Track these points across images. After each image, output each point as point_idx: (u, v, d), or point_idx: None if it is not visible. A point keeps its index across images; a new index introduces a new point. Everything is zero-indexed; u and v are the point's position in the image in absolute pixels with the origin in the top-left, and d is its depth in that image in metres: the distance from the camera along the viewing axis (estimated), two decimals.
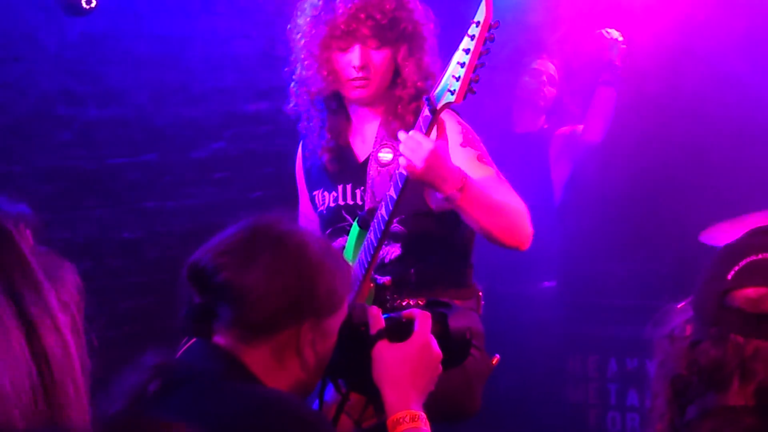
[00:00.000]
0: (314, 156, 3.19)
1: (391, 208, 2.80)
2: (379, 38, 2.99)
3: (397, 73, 3.02)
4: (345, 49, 3.00)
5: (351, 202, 3.10)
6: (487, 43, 2.60)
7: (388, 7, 2.99)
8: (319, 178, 3.20)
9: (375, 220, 2.87)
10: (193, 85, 4.60)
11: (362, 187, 3.05)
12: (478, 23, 2.58)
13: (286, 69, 3.17)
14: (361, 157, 3.11)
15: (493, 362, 2.97)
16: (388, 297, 2.97)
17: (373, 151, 3.03)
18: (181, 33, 4.55)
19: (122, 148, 4.40)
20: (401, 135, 2.76)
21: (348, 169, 3.13)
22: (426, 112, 2.72)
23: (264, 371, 1.93)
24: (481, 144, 3.01)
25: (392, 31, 2.99)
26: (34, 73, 4.14)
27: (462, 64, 2.61)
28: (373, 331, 2.07)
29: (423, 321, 2.09)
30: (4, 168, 4.05)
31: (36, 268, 0.91)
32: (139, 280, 4.46)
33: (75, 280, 1.04)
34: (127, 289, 4.39)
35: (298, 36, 3.09)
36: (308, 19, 3.06)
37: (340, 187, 3.14)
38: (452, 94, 2.64)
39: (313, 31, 3.04)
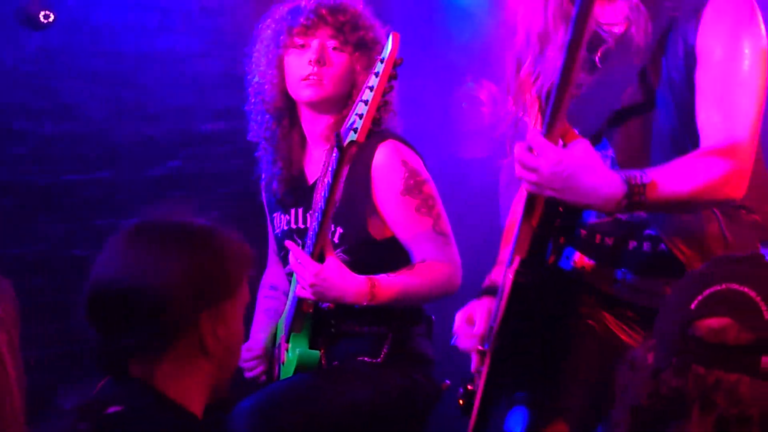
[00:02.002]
0: (270, 177, 3.18)
1: (314, 240, 2.79)
2: (338, 39, 2.97)
3: (352, 88, 2.98)
4: (303, 46, 2.98)
5: (302, 226, 3.07)
6: (391, 80, 2.58)
7: (351, 10, 3.00)
8: (275, 201, 3.19)
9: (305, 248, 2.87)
10: (150, 102, 4.58)
11: (311, 211, 3.00)
12: (383, 60, 2.56)
13: (248, 86, 3.14)
14: (311, 180, 3.09)
15: (443, 387, 2.96)
16: (332, 322, 2.96)
17: (320, 175, 2.96)
18: (139, 50, 4.53)
19: (77, 165, 4.37)
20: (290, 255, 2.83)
21: (300, 192, 3.10)
22: (335, 149, 2.70)
23: (178, 389, 1.84)
24: (426, 182, 2.99)
25: (352, 35, 2.97)
26: None
27: (365, 102, 2.60)
28: None
29: None
30: None
31: None
32: None
33: (11, 297, 0.94)
34: (77, 307, 4.30)
35: (260, 44, 3.08)
36: (271, 25, 3.06)
37: (292, 211, 3.12)
38: (355, 132, 2.63)
39: (274, 34, 3.03)
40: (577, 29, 1.89)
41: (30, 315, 3.90)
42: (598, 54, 2.30)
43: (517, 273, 2.16)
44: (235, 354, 1.94)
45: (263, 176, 3.21)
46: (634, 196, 1.98)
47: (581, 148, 1.98)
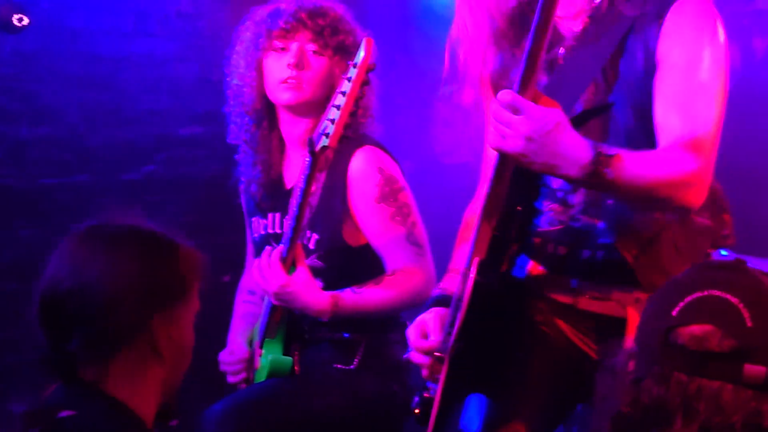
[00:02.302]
0: (249, 181, 3.19)
1: (287, 246, 2.81)
2: (318, 43, 2.99)
3: (331, 92, 2.94)
4: (282, 49, 2.99)
5: (279, 231, 3.07)
6: (364, 86, 2.63)
7: (331, 14, 3.01)
8: (254, 204, 3.20)
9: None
10: (127, 106, 4.55)
11: (287, 216, 3.01)
12: (355, 65, 2.60)
13: (227, 88, 3.15)
14: (289, 185, 3.10)
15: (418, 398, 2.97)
16: (305, 328, 2.98)
17: (296, 182, 2.99)
18: (117, 53, 4.50)
19: (53, 168, 4.33)
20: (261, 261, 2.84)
21: (278, 196, 3.11)
22: (307, 155, 2.72)
23: (130, 393, 1.83)
24: (402, 190, 3.01)
25: (332, 39, 2.99)
26: None
27: (338, 107, 2.63)
28: None
29: None
30: None
31: None
32: None
33: None
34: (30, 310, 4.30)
35: (239, 47, 3.09)
36: (250, 28, 3.07)
37: (270, 216, 3.14)
38: (327, 137, 2.66)
39: (253, 36, 3.04)
40: None
41: (6, 321, 3.91)
42: (559, 51, 2.31)
43: (478, 274, 2.15)
44: (186, 357, 1.93)
45: (242, 179, 3.22)
46: (600, 165, 1.96)
47: (557, 109, 1.97)
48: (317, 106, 2.98)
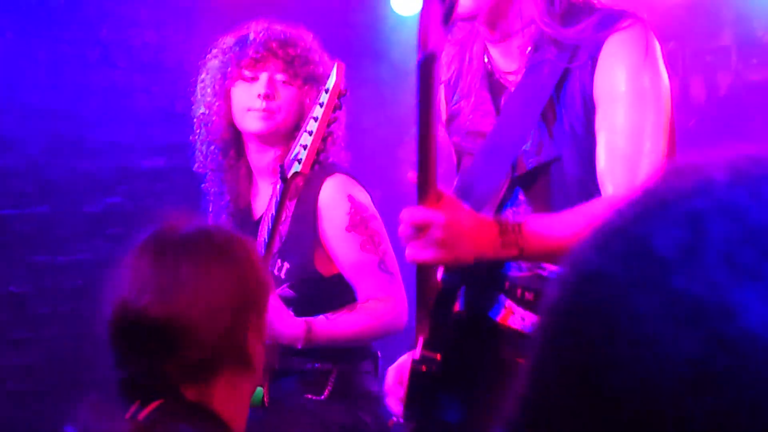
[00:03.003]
0: (217, 211, 3.19)
1: None
2: (288, 73, 2.98)
3: (300, 121, 2.97)
4: (252, 79, 2.98)
5: None
6: (336, 110, 2.61)
7: (301, 44, 3.01)
8: None
9: None
10: (89, 137, 4.55)
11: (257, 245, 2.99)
12: (327, 90, 2.58)
13: (193, 116, 3.14)
14: (257, 215, 3.10)
15: (389, 425, 2.95)
16: (275, 359, 2.94)
17: (265, 210, 2.98)
18: (79, 84, 4.50)
19: (13, 199, 4.33)
20: None
21: (247, 227, 3.08)
22: (278, 181, 2.71)
23: (233, 410, 1.82)
24: (372, 218, 3.01)
25: (302, 69, 2.98)
26: None
27: (310, 132, 2.61)
28: None
29: None
30: None
31: None
32: (25, 335, 4.35)
33: None
34: (12, 345, 4.32)
35: (205, 75, 3.09)
36: (218, 56, 3.06)
37: None
38: (299, 163, 2.64)
39: (221, 65, 3.04)
40: (422, 112, 1.91)
41: None
42: (501, 100, 2.30)
43: (420, 360, 2.11)
44: (262, 367, 1.91)
45: (210, 208, 3.20)
46: (509, 234, 1.92)
47: (454, 203, 1.93)
48: (285, 136, 2.98)
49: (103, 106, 4.55)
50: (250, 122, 2.98)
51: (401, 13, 5.19)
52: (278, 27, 3.04)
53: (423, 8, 1.88)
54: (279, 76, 2.97)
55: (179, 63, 4.23)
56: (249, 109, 2.96)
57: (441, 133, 2.35)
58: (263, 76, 2.96)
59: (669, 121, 2.15)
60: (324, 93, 2.59)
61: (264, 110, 2.95)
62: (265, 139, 3.02)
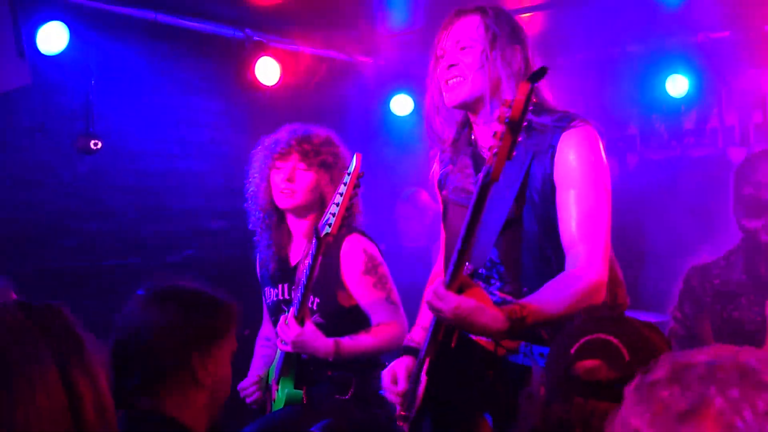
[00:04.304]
0: (264, 259, 3.16)
1: (297, 307, 2.78)
2: (305, 162, 2.97)
3: (321, 196, 2.98)
4: (280, 168, 3.00)
5: (287, 297, 3.05)
6: (356, 188, 2.61)
7: (315, 141, 3.00)
8: (267, 277, 3.17)
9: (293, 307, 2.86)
10: (170, 207, 4.57)
11: (295, 286, 2.99)
12: (349, 173, 2.59)
13: (246, 191, 3.15)
14: (293, 263, 3.08)
15: (396, 417, 2.93)
16: (311, 369, 2.94)
17: (301, 259, 2.99)
18: (163, 169, 4.54)
19: (114, 253, 4.32)
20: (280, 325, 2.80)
21: (286, 272, 3.09)
22: (314, 239, 2.71)
23: (182, 413, 1.78)
24: (380, 265, 2.98)
25: (315, 159, 2.97)
26: (51, 196, 4.09)
27: (337, 204, 2.62)
28: None
29: None
30: (20, 268, 3.93)
31: (85, 340, 0.83)
32: None
33: (103, 354, 0.91)
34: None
35: (254, 164, 3.10)
36: (261, 150, 3.08)
37: (280, 286, 3.10)
38: (329, 226, 2.64)
39: (263, 157, 3.05)
40: (473, 215, 1.86)
41: None
42: (482, 172, 2.29)
43: (429, 374, 2.09)
44: (225, 384, 1.87)
45: (259, 256, 3.20)
46: (518, 323, 1.91)
47: (474, 294, 1.91)
48: (310, 208, 2.99)
49: (180, 184, 4.60)
50: (279, 200, 3.00)
51: (397, 113, 5.32)
52: (300, 128, 3.05)
53: (500, 144, 1.82)
54: (299, 165, 2.98)
55: (236, 153, 4.25)
56: (278, 191, 2.99)
57: (432, 191, 2.35)
58: (287, 166, 2.98)
59: (609, 195, 2.10)
60: (347, 175, 2.59)
61: (287, 189, 2.97)
62: (294, 211, 3.03)
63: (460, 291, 1.91)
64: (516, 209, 2.16)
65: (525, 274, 2.16)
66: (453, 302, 1.88)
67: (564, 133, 2.10)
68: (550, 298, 1.98)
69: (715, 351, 0.95)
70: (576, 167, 2.08)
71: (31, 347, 0.73)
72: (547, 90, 2.23)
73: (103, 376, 0.77)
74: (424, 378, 2.10)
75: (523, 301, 1.97)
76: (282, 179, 2.97)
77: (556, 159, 2.10)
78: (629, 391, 0.94)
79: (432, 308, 1.93)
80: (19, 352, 0.72)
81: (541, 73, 1.85)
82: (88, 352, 0.78)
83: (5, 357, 0.72)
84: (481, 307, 1.89)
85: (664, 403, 0.88)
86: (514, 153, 1.84)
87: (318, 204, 2.98)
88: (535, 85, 1.99)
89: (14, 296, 1.79)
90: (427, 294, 1.95)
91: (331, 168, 2.97)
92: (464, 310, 1.88)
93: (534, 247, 2.13)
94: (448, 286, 1.90)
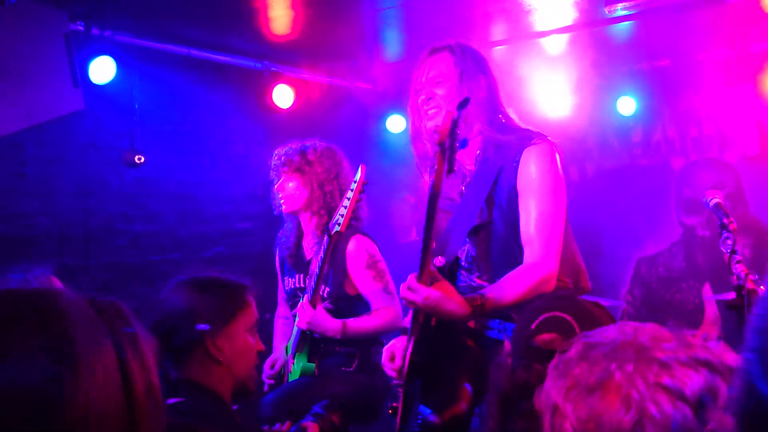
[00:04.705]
0: (283, 253, 3.16)
1: (311, 294, 2.80)
2: (287, 173, 2.98)
3: (313, 196, 2.96)
4: (277, 182, 3.01)
5: (302, 285, 3.06)
6: (361, 194, 2.62)
7: (291, 153, 3.02)
8: (287, 268, 3.17)
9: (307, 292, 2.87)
10: (204, 211, 4.55)
11: (308, 276, 3.02)
12: (355, 182, 2.60)
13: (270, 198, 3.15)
14: (308, 257, 3.08)
15: (393, 384, 2.92)
16: (322, 345, 2.94)
17: (314, 255, 3.00)
18: (197, 179, 4.53)
19: (157, 250, 4.31)
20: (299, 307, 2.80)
21: (301, 264, 3.09)
22: (326, 236, 2.73)
23: (209, 381, 1.74)
24: (380, 261, 2.96)
25: (291, 167, 2.97)
26: (103, 202, 4.09)
27: (345, 206, 2.63)
28: None
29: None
30: (82, 262, 3.95)
31: (138, 330, 0.83)
32: None
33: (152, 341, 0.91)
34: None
35: (271, 173, 3.11)
36: (272, 163, 3.08)
37: (296, 276, 3.11)
38: (338, 225, 2.66)
39: (273, 169, 3.06)
40: (429, 217, 1.84)
41: None
42: (464, 184, 2.24)
43: (413, 353, 2.10)
44: (241, 359, 1.80)
45: (279, 252, 3.21)
46: (478, 309, 1.95)
47: (441, 286, 1.94)
48: (306, 207, 2.97)
49: (213, 191, 4.59)
50: (281, 206, 3.03)
51: (392, 131, 5.34)
52: (282, 148, 3.03)
53: (436, 162, 1.81)
54: (285, 176, 2.98)
55: (258, 164, 4.22)
56: (278, 201, 3.02)
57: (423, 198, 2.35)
58: (279, 180, 3.01)
59: (563, 200, 2.11)
60: (353, 183, 2.60)
61: (281, 199, 2.99)
62: (295, 213, 3.01)
63: (430, 284, 1.93)
64: (488, 214, 2.17)
65: (496, 266, 2.17)
66: (423, 293, 1.91)
67: (525, 150, 2.10)
68: (506, 287, 2.02)
69: (619, 329, 0.94)
70: (535, 178, 2.09)
71: (96, 335, 0.75)
72: (514, 113, 2.24)
73: (152, 359, 0.79)
74: (409, 352, 2.13)
75: (484, 291, 2.01)
76: (277, 192, 3.01)
77: (518, 171, 2.10)
78: (551, 368, 0.94)
79: (406, 300, 1.96)
80: (85, 339, 0.74)
81: (464, 103, 1.87)
82: (141, 339, 0.81)
83: (75, 342, 0.73)
84: (446, 297, 1.93)
85: (576, 378, 0.88)
86: (455, 168, 1.84)
87: (311, 202, 2.96)
88: (500, 110, 2.06)
89: (58, 284, 1.79)
90: (402, 289, 1.97)
91: (305, 172, 2.96)
92: (433, 300, 1.91)
93: (503, 245, 2.15)
94: (419, 279, 1.93)
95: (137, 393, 0.75)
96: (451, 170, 1.83)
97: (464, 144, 2.20)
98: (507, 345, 1.60)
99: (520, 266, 2.07)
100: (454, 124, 1.83)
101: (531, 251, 2.07)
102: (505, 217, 2.13)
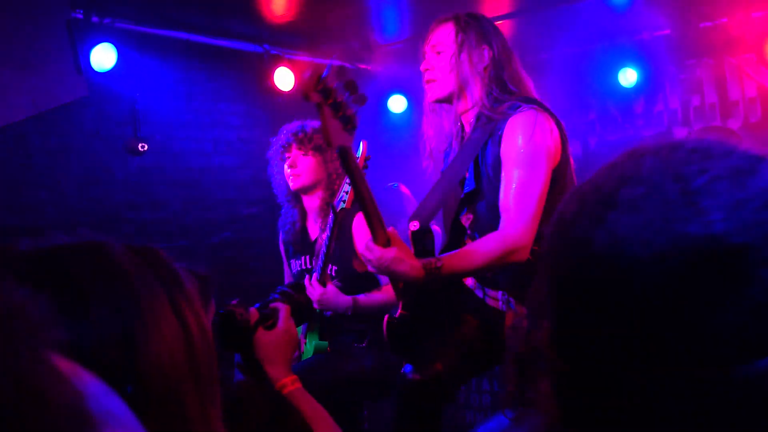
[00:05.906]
0: (287, 237, 3.17)
1: (319, 273, 2.80)
2: (302, 149, 2.97)
3: (322, 174, 2.96)
4: (287, 159, 3.00)
5: (309, 266, 3.06)
6: (364, 170, 2.59)
7: (308, 130, 3.00)
8: (292, 251, 3.18)
9: (315, 272, 2.87)
10: (209, 197, 4.55)
11: (314, 257, 3.02)
12: (358, 157, 2.57)
13: (271, 180, 3.16)
14: (313, 238, 3.08)
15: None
16: (334, 323, 2.95)
17: (319, 234, 3.00)
18: (201, 165, 4.53)
19: (164, 237, 4.31)
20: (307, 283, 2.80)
21: (306, 246, 3.10)
22: (331, 214, 2.74)
23: None
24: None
25: (310, 144, 2.97)
26: (109, 191, 4.10)
27: (349, 184, 2.62)
28: (252, 323, 1.65)
29: (285, 310, 1.70)
30: None
31: (182, 276, 0.81)
32: None
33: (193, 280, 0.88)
34: None
35: (272, 157, 3.11)
36: (274, 145, 3.09)
37: (302, 257, 3.10)
38: (344, 202, 2.66)
39: (275, 152, 3.06)
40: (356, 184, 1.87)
41: None
42: (465, 134, 2.24)
43: (396, 317, 2.13)
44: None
45: (282, 236, 3.21)
46: (432, 274, 1.94)
47: (396, 247, 1.93)
48: (315, 186, 2.97)
49: (218, 177, 4.59)
50: (290, 183, 3.01)
51: (394, 111, 5.34)
52: (296, 124, 3.03)
53: (322, 122, 1.80)
54: (297, 153, 2.97)
55: (262, 149, 4.24)
56: (288, 176, 3.00)
57: (430, 164, 2.35)
58: (290, 155, 2.99)
59: (543, 170, 2.04)
60: (356, 158, 2.61)
61: (292, 175, 2.98)
62: (303, 191, 3.01)
63: (387, 245, 1.94)
64: (476, 182, 2.18)
65: (489, 230, 2.16)
66: (377, 253, 1.93)
67: (509, 119, 2.08)
68: (469, 254, 2.00)
69: None
70: (515, 147, 2.06)
71: (149, 282, 0.75)
72: (527, 84, 2.22)
73: (198, 301, 0.80)
74: (397, 313, 2.14)
75: (443, 255, 2.00)
76: (288, 167, 2.98)
77: (502, 141, 2.10)
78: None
79: (364, 258, 1.97)
80: (145, 290, 0.74)
81: (342, 153, 1.85)
82: (184, 281, 0.80)
83: (140, 295, 0.72)
84: (400, 257, 1.93)
85: None
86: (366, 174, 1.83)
87: (322, 181, 2.96)
88: (504, 81, 2.07)
89: None
90: (360, 246, 1.98)
91: (324, 150, 2.95)
92: (386, 260, 1.92)
93: (492, 210, 2.14)
94: (375, 240, 1.94)
95: (194, 335, 0.75)
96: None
97: (464, 111, 2.21)
98: (522, 308, 1.62)
99: (491, 233, 2.05)
100: (345, 163, 1.85)
101: (506, 220, 2.05)
102: (493, 185, 2.13)
